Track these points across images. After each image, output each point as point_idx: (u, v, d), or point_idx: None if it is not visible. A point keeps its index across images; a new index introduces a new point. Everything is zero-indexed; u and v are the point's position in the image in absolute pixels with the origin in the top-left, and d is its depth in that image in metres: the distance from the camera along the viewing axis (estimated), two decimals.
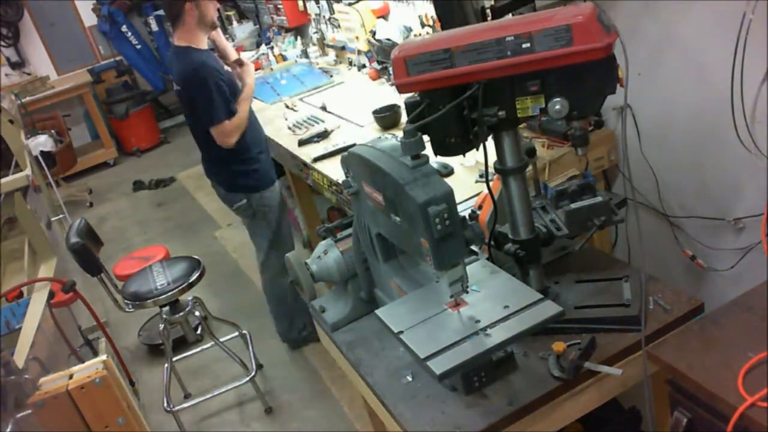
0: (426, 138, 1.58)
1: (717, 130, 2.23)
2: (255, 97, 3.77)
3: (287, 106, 4.10)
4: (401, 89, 1.69)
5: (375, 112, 3.30)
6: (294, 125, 3.70)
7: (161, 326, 3.30)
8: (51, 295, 2.94)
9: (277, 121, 3.89)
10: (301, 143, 3.36)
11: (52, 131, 5.94)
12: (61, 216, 4.23)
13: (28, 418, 1.80)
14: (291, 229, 3.80)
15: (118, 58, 8.11)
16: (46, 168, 4.68)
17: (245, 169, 3.38)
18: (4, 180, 3.36)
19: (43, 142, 5.38)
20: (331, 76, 4.42)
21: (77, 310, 3.42)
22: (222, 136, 3.22)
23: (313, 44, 5.04)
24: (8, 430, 1.80)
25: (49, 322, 2.81)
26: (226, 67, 3.43)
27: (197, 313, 3.35)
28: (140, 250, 4.17)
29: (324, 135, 3.37)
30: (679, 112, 2.39)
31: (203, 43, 3.30)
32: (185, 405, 3.44)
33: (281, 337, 3.87)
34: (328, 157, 3.14)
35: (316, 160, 3.13)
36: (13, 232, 3.60)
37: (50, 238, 3.65)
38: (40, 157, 4.82)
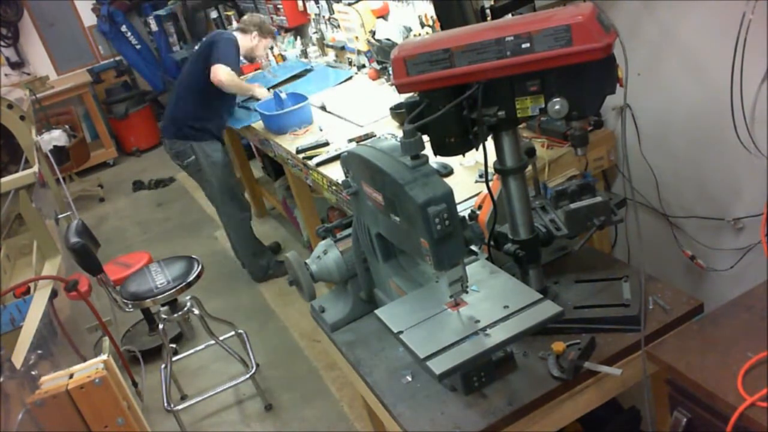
0: (426, 138, 1.58)
1: (717, 130, 2.22)
2: None
3: None
4: (401, 89, 1.68)
5: (392, 109, 3.29)
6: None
7: (160, 326, 3.30)
8: (54, 293, 2.93)
9: None
10: (299, 152, 3.34)
11: (66, 126, 5.93)
12: (69, 213, 4.20)
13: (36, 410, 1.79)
14: (241, 189, 4.60)
15: (117, 58, 8.11)
16: (58, 163, 4.65)
17: (202, 125, 4.11)
18: (9, 178, 3.32)
19: (57, 137, 5.40)
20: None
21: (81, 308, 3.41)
22: (220, 72, 3.86)
23: (313, 44, 5.03)
24: (19, 417, 1.79)
25: (50, 319, 2.80)
26: None
27: (196, 312, 3.35)
28: (124, 256, 4.25)
29: (323, 145, 3.36)
30: (678, 112, 2.39)
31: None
32: (185, 405, 3.44)
33: (253, 276, 4.59)
34: (329, 162, 3.14)
35: (319, 165, 3.13)
36: (24, 227, 3.57)
37: (59, 234, 3.63)
38: (50, 153, 4.76)
